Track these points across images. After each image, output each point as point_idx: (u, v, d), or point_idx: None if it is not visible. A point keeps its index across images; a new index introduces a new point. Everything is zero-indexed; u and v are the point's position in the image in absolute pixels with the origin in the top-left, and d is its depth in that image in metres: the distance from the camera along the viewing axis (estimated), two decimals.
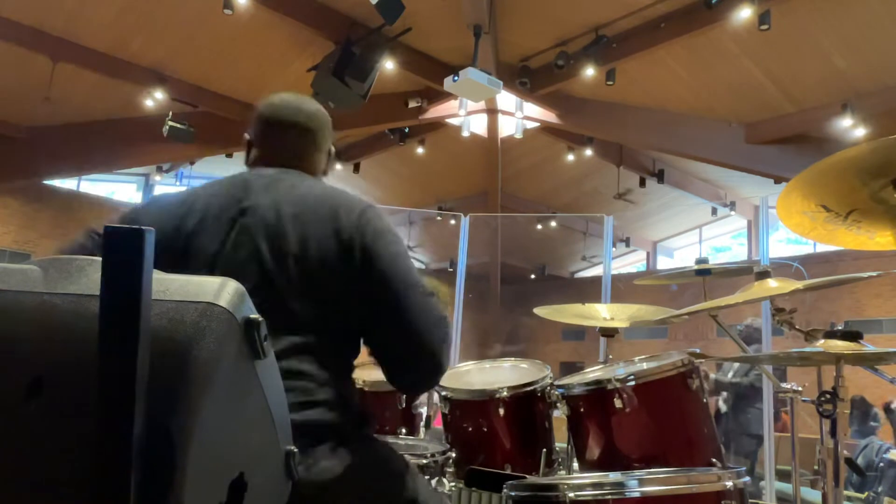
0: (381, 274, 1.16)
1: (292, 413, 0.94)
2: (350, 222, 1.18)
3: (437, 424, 2.40)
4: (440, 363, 1.21)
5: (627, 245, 17.49)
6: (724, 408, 5.12)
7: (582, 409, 1.88)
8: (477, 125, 11.54)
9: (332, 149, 1.45)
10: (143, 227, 0.62)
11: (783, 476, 4.62)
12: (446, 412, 2.12)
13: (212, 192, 1.23)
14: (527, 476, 1.83)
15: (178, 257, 1.12)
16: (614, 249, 16.04)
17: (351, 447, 1.11)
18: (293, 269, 1.12)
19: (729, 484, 1.36)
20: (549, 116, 10.14)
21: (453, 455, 2.01)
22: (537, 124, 11.00)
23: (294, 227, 1.15)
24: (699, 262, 2.43)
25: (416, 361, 1.20)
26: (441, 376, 1.25)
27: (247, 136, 1.39)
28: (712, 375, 5.23)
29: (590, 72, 8.11)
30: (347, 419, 1.13)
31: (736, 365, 5.13)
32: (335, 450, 1.07)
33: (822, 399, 1.55)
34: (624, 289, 5.69)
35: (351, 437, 1.13)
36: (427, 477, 1.86)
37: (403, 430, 2.43)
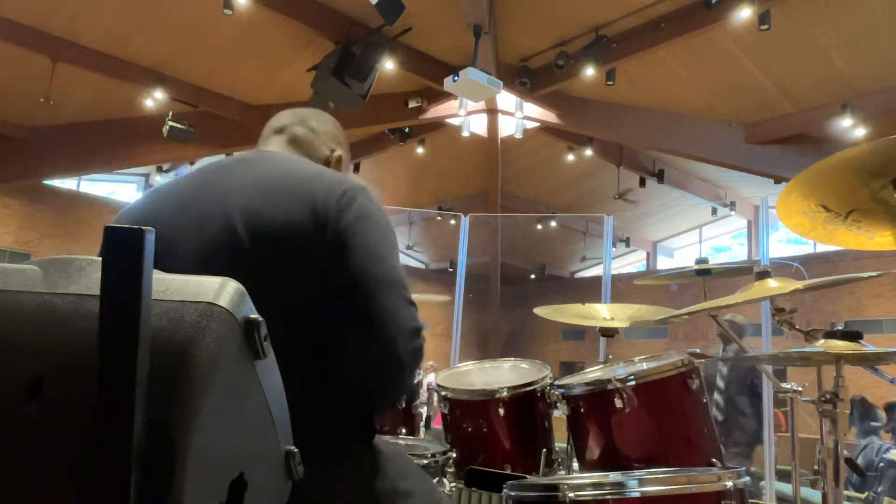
0: (354, 266, 1.03)
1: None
2: (328, 201, 1.05)
3: (437, 424, 2.40)
4: (404, 380, 1.08)
5: (627, 245, 17.50)
6: (718, 416, 5.09)
7: (582, 409, 1.88)
8: (477, 125, 11.54)
9: (338, 153, 1.34)
10: (143, 227, 0.62)
11: (783, 476, 4.63)
12: (446, 412, 2.12)
13: (182, 184, 1.16)
14: (527, 476, 1.83)
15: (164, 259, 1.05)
16: (614, 249, 16.05)
17: (336, 467, 1.04)
18: (258, 260, 1.01)
19: (729, 484, 1.36)
20: (549, 116, 10.15)
21: (453, 455, 2.01)
22: (537, 124, 11.01)
23: (262, 210, 1.03)
24: (699, 262, 2.43)
25: (379, 372, 1.06)
26: (400, 396, 1.14)
27: None
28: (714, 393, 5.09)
29: (590, 72, 8.11)
30: (326, 434, 1.05)
31: (725, 371, 5.06)
32: (317, 474, 0.98)
33: (822, 399, 1.56)
34: (624, 289, 5.70)
35: (335, 455, 1.05)
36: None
37: (403, 430, 2.43)
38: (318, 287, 1.03)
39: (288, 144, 1.30)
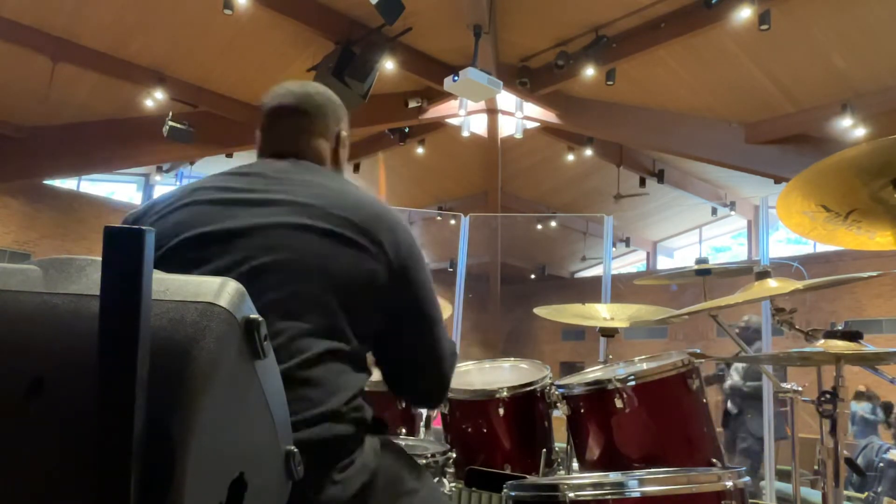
0: (411, 291, 1.17)
1: (298, 432, 0.91)
2: (381, 235, 1.12)
3: (437, 424, 2.40)
4: (447, 381, 1.27)
5: (627, 245, 17.50)
6: (733, 409, 5.11)
7: (582, 409, 1.88)
8: (477, 125, 11.54)
9: (344, 133, 1.37)
10: (143, 227, 0.62)
11: (783, 476, 4.62)
12: (446, 412, 2.12)
13: (215, 185, 1.16)
14: (527, 476, 1.83)
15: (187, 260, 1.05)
16: (614, 249, 16.05)
17: (357, 466, 1.05)
18: (310, 270, 1.05)
19: (729, 484, 1.36)
20: (549, 116, 10.15)
21: (453, 455, 2.01)
22: (537, 124, 11.01)
23: (312, 226, 1.08)
24: (699, 262, 2.43)
25: (428, 376, 1.24)
26: (445, 393, 1.30)
27: (257, 131, 1.35)
28: (729, 382, 5.17)
29: (590, 72, 8.11)
30: (350, 434, 1.06)
31: (741, 366, 5.12)
32: (340, 472, 1.01)
33: (822, 399, 1.56)
34: (624, 289, 5.69)
35: (356, 454, 1.06)
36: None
37: (403, 430, 2.43)
38: (372, 289, 1.10)
39: (302, 154, 1.29)
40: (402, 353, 1.22)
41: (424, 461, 1.87)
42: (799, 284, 1.75)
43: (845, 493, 1.65)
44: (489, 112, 11.06)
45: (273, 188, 1.13)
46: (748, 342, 4.68)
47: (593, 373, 2.02)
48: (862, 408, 8.29)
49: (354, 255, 1.09)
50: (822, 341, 1.63)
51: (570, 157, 12.32)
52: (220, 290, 0.71)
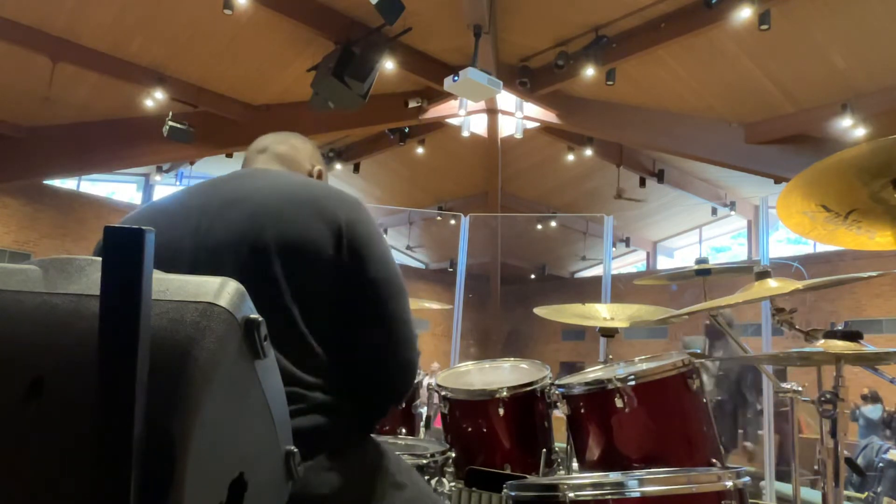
0: (371, 277, 1.14)
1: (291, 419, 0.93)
2: (339, 216, 1.13)
3: (437, 424, 2.40)
4: (412, 374, 1.21)
5: (627, 245, 17.50)
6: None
7: (582, 409, 1.88)
8: (477, 125, 11.54)
9: (319, 168, 1.44)
10: (143, 227, 0.62)
11: (783, 476, 4.62)
12: (446, 412, 2.12)
13: (191, 192, 1.22)
14: (527, 476, 1.83)
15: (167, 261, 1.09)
16: (614, 249, 16.04)
17: (348, 454, 1.08)
18: (275, 261, 1.07)
19: (729, 484, 1.36)
20: (549, 116, 10.15)
21: (453, 455, 2.01)
22: (537, 124, 11.00)
23: (277, 216, 1.10)
24: (699, 262, 2.43)
25: (393, 367, 1.18)
26: (407, 392, 1.25)
27: None
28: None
29: (590, 72, 8.11)
30: (342, 423, 1.09)
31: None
32: (332, 458, 1.04)
33: (823, 399, 1.56)
34: (624, 289, 5.70)
35: (347, 443, 1.10)
36: (427, 477, 1.86)
37: (403, 430, 2.43)
38: (337, 290, 1.11)
39: (274, 161, 1.37)
40: (365, 330, 1.16)
41: (424, 461, 1.87)
42: (799, 284, 1.75)
43: (845, 493, 1.65)
44: (489, 112, 11.06)
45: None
46: (718, 337, 4.62)
47: (593, 373, 2.02)
48: (867, 410, 8.31)
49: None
50: (822, 341, 1.63)
51: (570, 157, 12.32)
52: (220, 290, 0.71)
